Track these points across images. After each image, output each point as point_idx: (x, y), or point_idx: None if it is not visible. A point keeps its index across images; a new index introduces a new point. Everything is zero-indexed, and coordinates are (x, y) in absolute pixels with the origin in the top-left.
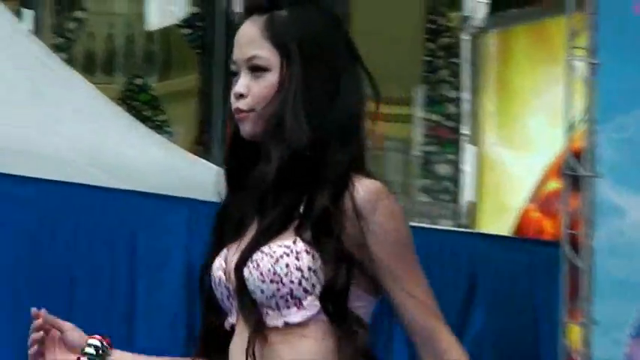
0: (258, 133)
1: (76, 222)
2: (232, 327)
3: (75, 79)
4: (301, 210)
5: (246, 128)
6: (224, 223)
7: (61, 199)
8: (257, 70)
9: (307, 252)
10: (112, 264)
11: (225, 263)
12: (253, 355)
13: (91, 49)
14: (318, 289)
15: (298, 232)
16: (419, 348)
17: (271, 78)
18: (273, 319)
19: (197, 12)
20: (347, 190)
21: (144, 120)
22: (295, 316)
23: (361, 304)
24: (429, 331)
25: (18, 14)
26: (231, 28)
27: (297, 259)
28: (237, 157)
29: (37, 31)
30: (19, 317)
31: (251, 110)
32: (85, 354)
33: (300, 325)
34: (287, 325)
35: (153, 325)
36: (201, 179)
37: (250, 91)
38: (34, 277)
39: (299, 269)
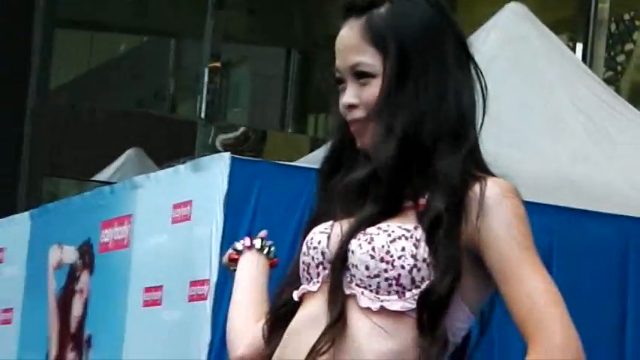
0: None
1: (627, 251)
2: (301, 297)
3: (631, 113)
4: (422, 202)
5: (363, 139)
6: (315, 223)
7: (620, 232)
8: (363, 76)
9: (426, 242)
10: None
11: (332, 229)
12: (334, 323)
13: (637, 80)
14: (424, 285)
15: (420, 220)
16: (528, 338)
17: (379, 82)
18: (369, 301)
19: None
20: (473, 188)
21: None
22: (394, 304)
23: (458, 322)
24: (538, 323)
25: (572, 47)
26: None
27: (416, 246)
28: (334, 164)
29: (589, 64)
30: None
31: (366, 120)
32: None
33: (394, 315)
34: (383, 310)
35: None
36: None
37: (360, 100)
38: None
39: (413, 257)
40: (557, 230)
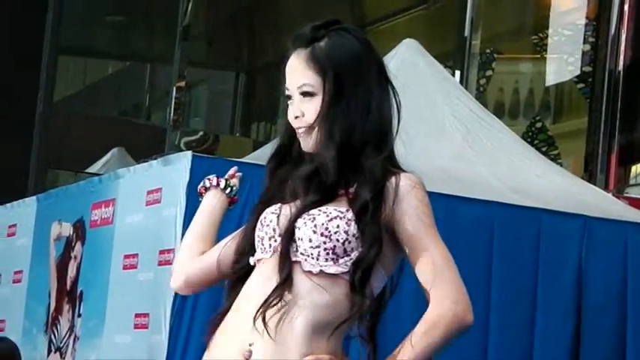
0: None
1: (492, 230)
2: (256, 262)
3: (496, 123)
4: (352, 190)
5: (307, 143)
6: (265, 205)
7: (487, 214)
8: (307, 94)
9: (355, 222)
10: (518, 267)
11: (280, 211)
12: (283, 282)
13: (499, 99)
14: (354, 254)
15: (351, 205)
16: (429, 295)
17: (319, 99)
18: (310, 266)
19: (588, 70)
20: (390, 181)
21: (542, 154)
22: (331, 268)
23: (377, 282)
24: (437, 283)
25: (452, 73)
26: (613, 83)
27: (347, 224)
28: (280, 160)
29: (465, 86)
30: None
31: (309, 128)
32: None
33: (330, 277)
34: (321, 273)
35: (549, 315)
36: (591, 200)
37: (305, 113)
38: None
39: (346, 232)
40: (439, 211)
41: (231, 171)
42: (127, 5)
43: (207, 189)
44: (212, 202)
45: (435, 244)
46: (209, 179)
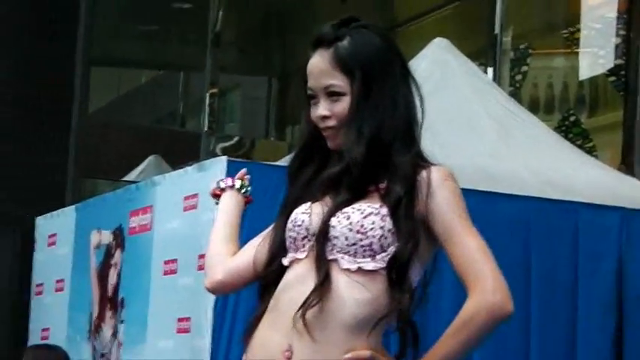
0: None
1: (529, 226)
2: (290, 263)
3: (530, 118)
4: (383, 186)
5: (335, 142)
6: (291, 206)
7: (523, 210)
8: (334, 95)
9: (390, 217)
10: (556, 262)
11: (311, 210)
12: (322, 282)
13: (534, 95)
14: (391, 249)
15: (383, 200)
16: (468, 286)
17: (347, 99)
18: (348, 263)
19: (621, 63)
20: (421, 175)
21: (577, 148)
22: (368, 264)
23: (414, 276)
24: (475, 273)
25: (484, 70)
26: None
27: (382, 220)
28: (303, 160)
29: (498, 82)
30: None
31: (338, 128)
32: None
33: (368, 273)
34: (359, 270)
35: (590, 310)
36: (629, 192)
37: (333, 113)
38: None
39: (382, 228)
40: (474, 208)
41: (240, 173)
42: (158, 14)
43: (222, 190)
44: (231, 203)
45: (470, 234)
46: (223, 180)
